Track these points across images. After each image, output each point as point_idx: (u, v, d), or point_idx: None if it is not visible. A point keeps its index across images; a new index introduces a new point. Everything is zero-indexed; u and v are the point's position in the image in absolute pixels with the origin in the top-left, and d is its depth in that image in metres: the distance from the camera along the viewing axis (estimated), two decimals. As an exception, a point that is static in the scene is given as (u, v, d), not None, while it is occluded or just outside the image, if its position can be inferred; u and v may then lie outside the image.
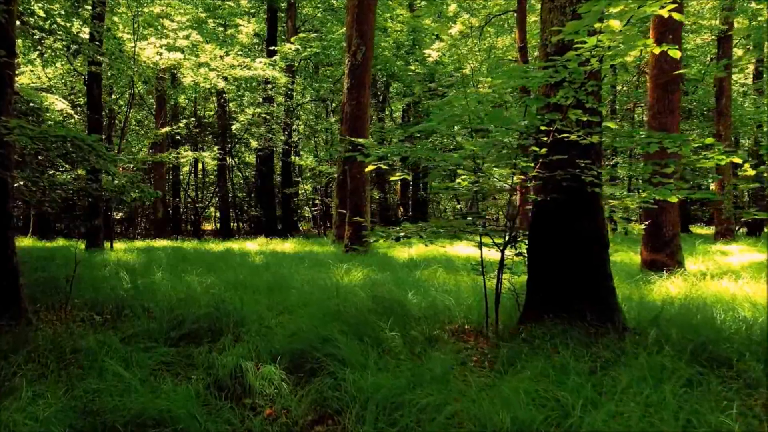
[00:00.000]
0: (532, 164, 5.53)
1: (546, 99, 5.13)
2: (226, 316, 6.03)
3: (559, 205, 5.59)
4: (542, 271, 5.73)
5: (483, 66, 27.66)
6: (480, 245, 5.98)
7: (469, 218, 5.62)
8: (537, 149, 5.39)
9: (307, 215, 35.15)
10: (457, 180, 5.64)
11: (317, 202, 31.90)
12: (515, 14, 22.62)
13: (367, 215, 15.22)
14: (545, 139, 5.36)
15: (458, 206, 32.68)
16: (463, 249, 14.80)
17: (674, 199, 6.26)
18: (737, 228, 24.32)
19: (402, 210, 33.85)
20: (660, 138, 5.11)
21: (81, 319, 7.10)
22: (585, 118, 5.36)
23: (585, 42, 4.71)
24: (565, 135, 5.32)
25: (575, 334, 4.79)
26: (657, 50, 5.12)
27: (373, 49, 15.89)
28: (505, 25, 28.94)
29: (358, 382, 3.80)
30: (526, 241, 6.13)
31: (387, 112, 33.43)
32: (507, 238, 5.84)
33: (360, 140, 5.03)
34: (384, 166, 5.46)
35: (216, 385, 4.10)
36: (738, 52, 23.11)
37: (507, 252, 6.03)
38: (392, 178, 5.87)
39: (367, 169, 5.38)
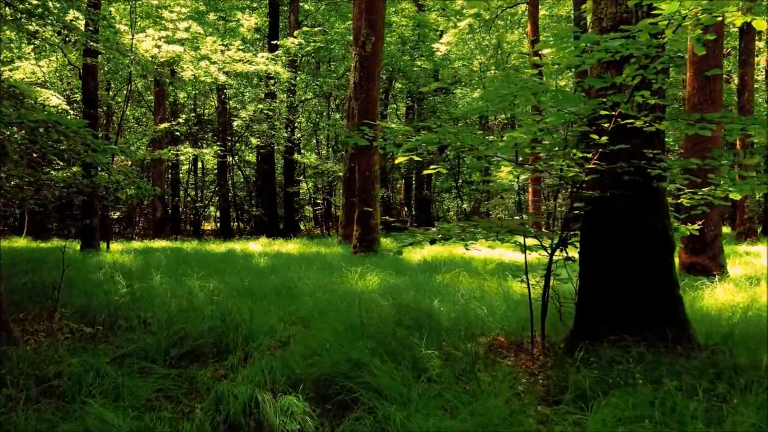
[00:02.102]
0: (589, 154, 4.78)
1: (611, 78, 4.37)
2: (234, 330, 5.27)
3: (619, 201, 4.84)
4: (599, 278, 4.97)
5: (491, 62, 26.90)
6: (524, 248, 5.23)
7: (516, 217, 4.86)
8: (596, 137, 4.64)
9: (308, 215, 34.33)
10: (500, 173, 4.87)
11: (318, 201, 31.12)
12: (527, 7, 21.86)
13: (376, 214, 14.46)
14: (606, 125, 4.60)
15: (464, 206, 31.88)
16: (477, 250, 14.03)
17: (738, 196, 5.52)
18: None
19: (406, 209, 33.09)
20: (743, 123, 4.35)
21: (70, 330, 6.34)
22: (653, 101, 4.61)
23: (662, 9, 3.96)
24: (630, 121, 4.57)
25: (651, 356, 4.02)
26: (739, 21, 4.38)
27: (383, 40, 15.12)
28: (510, 21, 28.18)
29: (407, 423, 3.04)
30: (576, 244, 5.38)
31: (390, 110, 32.65)
32: (556, 239, 5.08)
33: (392, 125, 4.27)
34: (416, 158, 4.70)
35: (226, 423, 3.34)
36: (759, 45, 22.38)
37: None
38: (426, 172, 5.12)
39: (397, 161, 4.62)
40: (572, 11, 23.36)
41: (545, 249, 5.11)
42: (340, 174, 24.42)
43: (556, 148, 4.67)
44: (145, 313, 6.35)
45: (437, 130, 4.15)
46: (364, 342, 4.46)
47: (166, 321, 5.40)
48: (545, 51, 4.67)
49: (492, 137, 4.17)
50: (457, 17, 27.46)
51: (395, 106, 30.77)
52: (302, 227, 32.38)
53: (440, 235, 4.50)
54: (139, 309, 6.69)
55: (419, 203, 32.14)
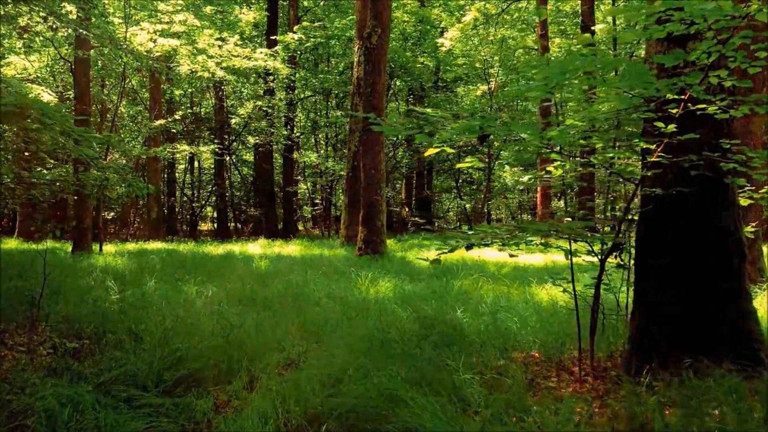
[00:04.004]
0: (651, 146, 4.11)
1: (684, 55, 3.70)
2: (238, 348, 4.60)
3: (685, 201, 4.18)
4: (659, 288, 4.30)
5: (495, 58, 26.21)
6: (570, 253, 4.55)
7: (568, 219, 4.21)
8: (661, 125, 3.98)
9: (307, 215, 33.61)
10: (549, 167, 4.21)
11: (317, 201, 30.43)
12: (535, 2, 21.22)
13: (382, 215, 13.78)
14: (674, 111, 3.94)
15: (468, 206, 31.21)
16: (489, 252, 13.37)
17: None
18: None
19: (407, 209, 32.39)
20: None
21: (52, 345, 5.67)
22: (730, 82, 3.95)
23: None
24: (702, 106, 3.91)
25: (741, 383, 3.36)
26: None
27: (389, 32, 14.45)
28: (515, 17, 27.51)
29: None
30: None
31: (392, 108, 31.93)
32: (609, 243, 4.40)
33: (428, 110, 3.60)
34: (449, 149, 4.03)
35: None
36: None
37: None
38: (460, 165, 4.47)
39: (427, 153, 3.96)
40: (579, 6, 22.77)
41: (596, 254, 4.44)
42: (342, 173, 23.73)
43: (622, 138, 4.00)
44: (137, 326, 5.67)
45: (481, 116, 3.48)
46: (392, 366, 3.78)
47: (159, 338, 4.70)
48: (599, 27, 3.99)
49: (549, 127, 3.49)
50: (461, 13, 26.82)
51: (396, 104, 30.07)
52: (300, 227, 31.66)
53: (481, 238, 3.82)
54: (130, 320, 6.02)
55: (420, 203, 31.50)
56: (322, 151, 31.05)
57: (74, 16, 11.37)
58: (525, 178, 6.00)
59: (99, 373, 4.22)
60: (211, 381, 4.16)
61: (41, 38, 16.06)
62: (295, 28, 23.17)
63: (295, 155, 26.65)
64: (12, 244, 18.82)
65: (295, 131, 27.15)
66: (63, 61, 19.83)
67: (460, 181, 31.92)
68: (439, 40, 23.25)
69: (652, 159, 4.06)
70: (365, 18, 14.37)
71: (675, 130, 3.92)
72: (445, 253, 3.97)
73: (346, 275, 9.60)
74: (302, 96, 28.86)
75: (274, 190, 26.84)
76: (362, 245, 13.56)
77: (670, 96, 3.93)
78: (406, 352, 4.25)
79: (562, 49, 24.64)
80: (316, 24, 24.31)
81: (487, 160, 27.58)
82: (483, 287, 8.22)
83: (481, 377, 3.95)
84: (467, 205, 31.20)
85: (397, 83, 29.12)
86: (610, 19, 16.62)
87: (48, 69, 22.47)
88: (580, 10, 22.65)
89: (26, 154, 16.94)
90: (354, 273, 9.43)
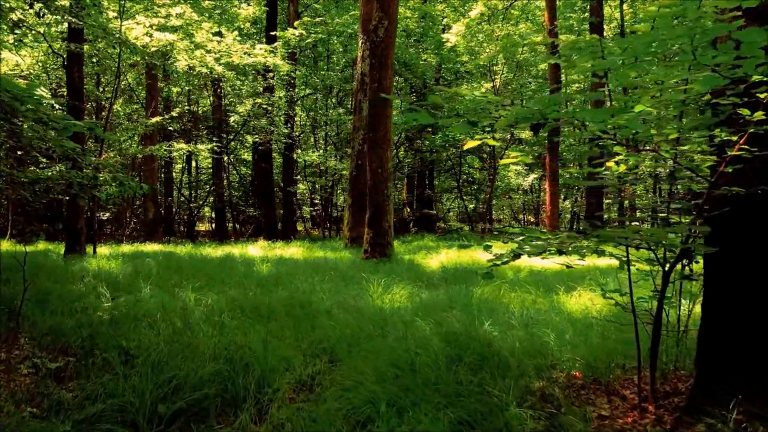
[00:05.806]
0: (734, 137, 3.51)
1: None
2: (243, 372, 3.97)
3: (766, 201, 3.57)
4: (733, 303, 3.70)
5: (499, 55, 25.58)
6: (627, 262, 3.93)
7: (635, 223, 3.59)
8: (746, 112, 3.37)
9: (306, 215, 32.94)
10: (609, 163, 3.59)
11: (316, 201, 29.77)
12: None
13: (389, 216, 13.16)
14: (762, 96, 3.33)
15: (471, 206, 30.59)
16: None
17: None
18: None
19: (408, 210, 31.77)
20: None
21: (33, 364, 5.05)
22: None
23: None
24: (797, 89, 3.31)
25: None
26: None
27: (396, 24, 13.82)
28: (515, 15, 26.90)
29: None
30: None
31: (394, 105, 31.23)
32: (672, 249, 3.79)
33: (476, 93, 2.99)
34: (492, 142, 3.43)
35: None
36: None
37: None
38: (503, 162, 3.85)
39: (467, 146, 3.35)
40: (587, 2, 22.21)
41: (660, 263, 3.83)
42: (344, 173, 23.09)
43: (694, 128, 3.39)
44: (128, 342, 5.04)
45: (537, 99, 2.88)
46: (430, 398, 3.16)
47: (153, 360, 4.06)
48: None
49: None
50: (465, 8, 26.23)
51: (399, 101, 29.44)
52: (299, 228, 31.01)
53: (542, 249, 3.18)
54: (122, 334, 5.40)
55: (421, 203, 30.90)
56: (321, 150, 30.43)
57: (66, 3, 10.73)
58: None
59: (82, 403, 3.60)
60: (213, 413, 3.54)
61: (33, 32, 15.42)
62: (296, 23, 22.55)
63: (298, 153, 26.00)
64: (4, 246, 18.17)
65: (295, 130, 26.49)
66: (56, 56, 19.19)
67: (462, 181, 31.32)
68: (445, 36, 22.64)
69: (733, 152, 3.45)
70: (370, 11, 13.76)
71: (764, 117, 3.32)
72: (497, 265, 3.35)
73: (355, 281, 8.98)
74: (302, 94, 28.19)
75: (274, 189, 26.18)
76: (368, 248, 12.94)
77: (756, 78, 3.33)
78: (441, 378, 3.64)
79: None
80: (316, 20, 23.67)
81: (490, 159, 27.01)
82: (505, 295, 7.60)
83: (532, 411, 3.34)
84: (469, 206, 30.58)
85: (399, 80, 28.49)
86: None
87: (40, 65, 21.78)
88: (588, 6, 22.13)
89: (19, 153, 16.30)
90: (364, 278, 8.80)
